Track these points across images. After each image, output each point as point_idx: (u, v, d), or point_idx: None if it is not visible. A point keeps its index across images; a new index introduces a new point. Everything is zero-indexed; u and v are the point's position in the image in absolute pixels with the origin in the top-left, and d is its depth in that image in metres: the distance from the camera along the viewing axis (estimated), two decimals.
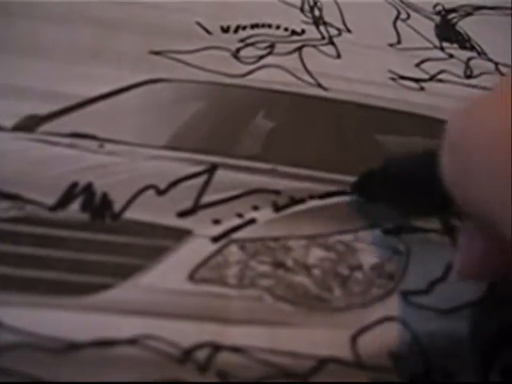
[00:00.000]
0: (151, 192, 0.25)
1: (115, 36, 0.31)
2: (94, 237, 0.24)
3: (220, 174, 0.27)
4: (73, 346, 0.21)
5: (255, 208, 0.26)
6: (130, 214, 0.25)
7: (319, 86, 0.32)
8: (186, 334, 0.22)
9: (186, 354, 0.21)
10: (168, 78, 0.30)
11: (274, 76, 0.32)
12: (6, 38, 0.30)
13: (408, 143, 0.30)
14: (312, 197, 0.27)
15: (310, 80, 0.32)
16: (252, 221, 0.25)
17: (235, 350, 0.22)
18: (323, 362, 0.22)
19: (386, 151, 0.30)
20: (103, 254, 0.23)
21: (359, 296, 0.24)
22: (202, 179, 0.26)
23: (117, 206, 0.25)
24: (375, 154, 0.29)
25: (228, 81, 0.31)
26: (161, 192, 0.26)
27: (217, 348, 0.22)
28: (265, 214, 0.26)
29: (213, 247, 0.24)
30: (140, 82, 0.29)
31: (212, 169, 0.27)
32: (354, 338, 0.23)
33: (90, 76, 0.29)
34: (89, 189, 0.25)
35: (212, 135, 0.28)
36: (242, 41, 0.34)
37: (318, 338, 0.22)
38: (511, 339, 0.23)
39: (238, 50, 0.33)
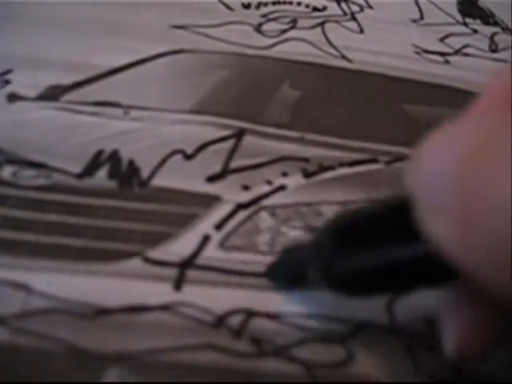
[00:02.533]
0: (178, 157, 0.25)
1: (136, 11, 0.31)
2: (122, 204, 0.23)
3: (248, 140, 0.26)
4: (102, 311, 0.20)
5: (284, 174, 0.25)
6: (158, 181, 0.24)
7: (344, 57, 0.31)
8: (219, 300, 0.21)
9: (220, 320, 0.21)
10: (191, 48, 0.30)
11: (298, 48, 0.31)
12: (25, 12, 0.30)
13: (435, 113, 0.30)
14: (341, 164, 0.26)
15: (334, 52, 0.32)
16: (282, 187, 0.25)
17: (269, 315, 0.21)
18: (360, 327, 0.21)
19: (413, 120, 0.29)
20: (132, 221, 0.23)
21: None
22: (229, 144, 0.26)
23: (144, 173, 0.24)
24: (404, 122, 0.29)
25: (252, 52, 0.30)
26: (188, 156, 0.25)
27: (250, 314, 0.21)
28: (295, 180, 0.25)
29: (243, 214, 0.24)
30: (163, 53, 0.29)
31: (239, 134, 0.26)
32: (390, 303, 0.22)
33: (112, 48, 0.29)
34: (115, 156, 0.24)
35: (238, 101, 0.28)
36: (263, 16, 0.33)
37: (354, 303, 0.22)
38: None
39: (261, 24, 0.32)
